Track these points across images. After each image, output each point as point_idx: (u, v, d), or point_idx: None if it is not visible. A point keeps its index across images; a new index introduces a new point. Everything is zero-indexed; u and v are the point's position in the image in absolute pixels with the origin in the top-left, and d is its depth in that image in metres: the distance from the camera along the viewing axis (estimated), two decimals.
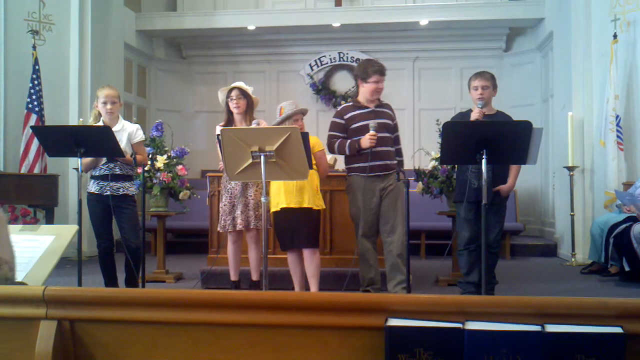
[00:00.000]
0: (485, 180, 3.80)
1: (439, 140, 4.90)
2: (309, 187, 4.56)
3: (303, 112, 4.82)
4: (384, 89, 4.89)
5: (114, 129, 4.61)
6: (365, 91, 4.85)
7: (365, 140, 4.67)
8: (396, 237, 4.72)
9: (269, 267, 3.96)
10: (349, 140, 4.78)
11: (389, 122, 4.86)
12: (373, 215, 4.77)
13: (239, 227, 4.93)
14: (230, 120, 5.05)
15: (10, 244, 2.43)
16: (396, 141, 4.97)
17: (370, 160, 4.67)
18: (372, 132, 4.65)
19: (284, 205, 4.58)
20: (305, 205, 4.56)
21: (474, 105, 4.81)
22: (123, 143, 4.73)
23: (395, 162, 4.88)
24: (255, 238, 4.99)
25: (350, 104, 4.96)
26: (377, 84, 4.80)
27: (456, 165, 5.47)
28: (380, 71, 4.80)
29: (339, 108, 5.05)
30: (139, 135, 4.92)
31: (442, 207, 5.92)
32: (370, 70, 4.80)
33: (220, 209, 5.06)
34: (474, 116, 4.64)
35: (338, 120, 4.89)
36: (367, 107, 4.83)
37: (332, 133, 4.89)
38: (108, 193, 4.74)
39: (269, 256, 4.07)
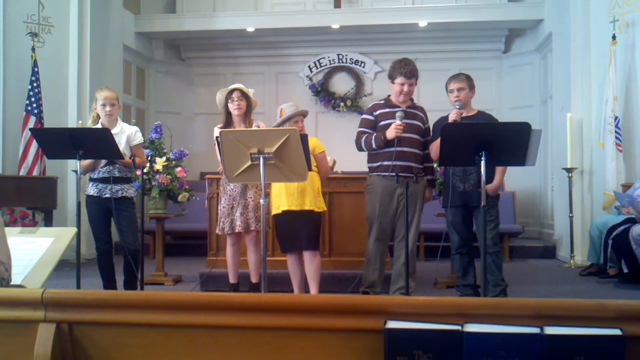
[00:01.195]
0: (483, 181, 3.79)
1: None
2: (310, 189, 4.55)
3: (303, 114, 4.81)
4: (412, 93, 4.79)
5: (112, 131, 4.61)
6: (393, 91, 4.82)
7: (391, 130, 4.56)
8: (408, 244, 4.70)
9: (268, 270, 3.95)
10: (375, 134, 4.72)
11: (420, 124, 4.78)
12: (389, 219, 4.74)
13: (237, 229, 4.93)
14: (228, 122, 5.05)
15: (6, 244, 2.42)
16: (427, 145, 4.85)
17: (391, 159, 4.59)
18: (398, 122, 4.54)
19: (286, 208, 4.58)
20: (307, 207, 4.55)
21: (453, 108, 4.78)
22: (122, 145, 4.73)
23: (421, 166, 4.79)
24: (254, 240, 4.98)
25: (382, 102, 4.88)
26: (402, 86, 4.73)
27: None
28: (406, 74, 4.70)
29: (370, 105, 5.01)
30: (138, 138, 4.92)
31: (441, 209, 5.91)
32: (397, 71, 4.75)
33: (219, 211, 5.06)
34: (451, 117, 4.58)
35: (368, 116, 4.84)
36: (398, 107, 4.75)
37: (361, 129, 4.83)
38: (107, 195, 4.74)
39: (267, 259, 4.07)
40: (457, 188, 4.74)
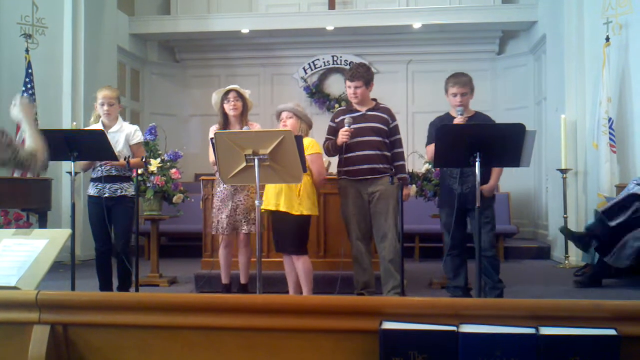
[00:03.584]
0: (478, 182, 3.80)
1: None
2: (287, 190, 4.46)
3: (293, 111, 4.66)
4: (360, 94, 4.78)
5: (112, 129, 4.62)
6: None
7: (339, 136, 4.68)
8: (387, 243, 4.70)
9: (263, 271, 3.94)
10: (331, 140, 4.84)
11: (381, 125, 4.79)
12: (363, 219, 4.77)
13: (223, 230, 4.93)
14: (225, 123, 5.04)
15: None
16: (394, 145, 4.87)
17: (353, 164, 4.71)
18: (345, 127, 4.65)
19: (263, 207, 4.55)
20: (281, 208, 4.47)
21: (451, 109, 4.81)
22: (120, 144, 4.75)
23: (387, 166, 4.80)
24: (245, 242, 4.98)
25: (344, 107, 5.00)
26: (349, 89, 4.84)
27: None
28: (348, 77, 4.83)
29: (335, 112, 5.09)
30: (138, 137, 4.92)
31: (436, 209, 5.90)
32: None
33: (213, 211, 5.08)
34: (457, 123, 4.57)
35: (330, 123, 4.95)
36: (358, 111, 4.82)
37: (326, 136, 4.94)
38: (107, 195, 4.75)
39: (263, 260, 4.06)
40: (454, 190, 4.72)
